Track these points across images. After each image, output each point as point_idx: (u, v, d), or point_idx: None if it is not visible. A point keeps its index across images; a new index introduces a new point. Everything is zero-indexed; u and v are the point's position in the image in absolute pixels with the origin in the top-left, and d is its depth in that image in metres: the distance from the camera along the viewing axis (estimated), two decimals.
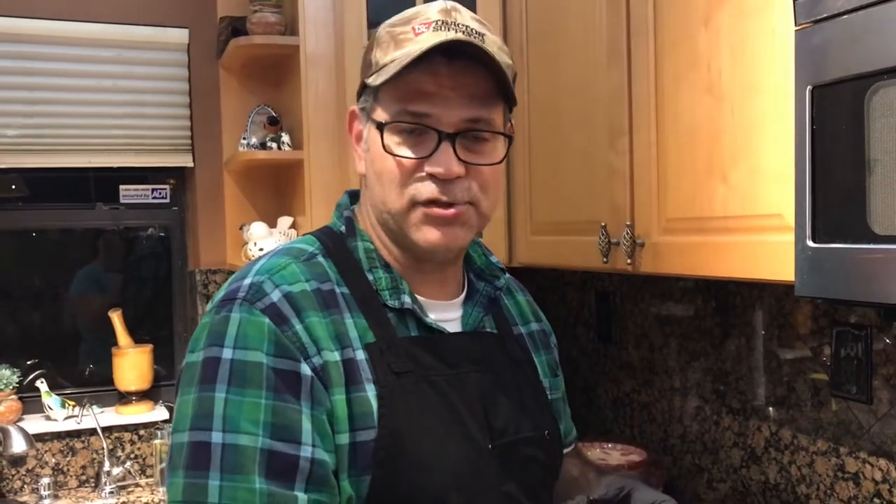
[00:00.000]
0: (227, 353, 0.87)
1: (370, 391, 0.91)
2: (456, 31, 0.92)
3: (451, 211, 0.94)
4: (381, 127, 0.94)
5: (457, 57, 0.92)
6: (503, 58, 0.95)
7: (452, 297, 1.05)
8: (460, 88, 0.93)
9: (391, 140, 0.94)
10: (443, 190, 0.93)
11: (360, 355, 0.92)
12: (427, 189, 0.94)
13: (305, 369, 0.88)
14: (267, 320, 0.88)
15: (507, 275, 1.14)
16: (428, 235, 0.95)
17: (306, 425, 0.86)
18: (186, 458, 0.85)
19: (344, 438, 0.89)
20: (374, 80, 0.95)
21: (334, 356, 0.90)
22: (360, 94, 1.01)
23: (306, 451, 0.86)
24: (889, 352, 1.43)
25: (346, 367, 0.91)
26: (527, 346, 1.14)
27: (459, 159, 0.93)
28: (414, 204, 0.94)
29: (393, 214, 0.96)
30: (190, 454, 0.85)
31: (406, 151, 0.94)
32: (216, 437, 0.84)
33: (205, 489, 0.83)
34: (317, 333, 0.90)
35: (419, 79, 0.92)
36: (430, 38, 0.91)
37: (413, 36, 0.93)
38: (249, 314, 0.88)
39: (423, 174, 0.93)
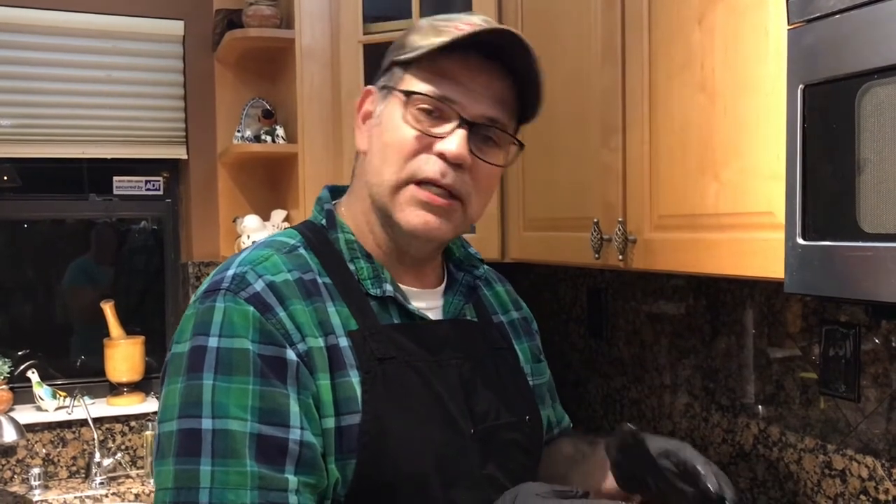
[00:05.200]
0: (213, 342, 0.88)
1: (354, 377, 0.92)
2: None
3: (443, 200, 0.96)
4: (407, 95, 0.96)
5: (492, 58, 0.96)
6: (538, 64, 0.97)
7: (433, 287, 1.07)
8: (488, 87, 0.97)
9: (411, 114, 0.96)
10: (444, 171, 0.95)
11: (344, 342, 0.94)
12: (431, 167, 0.95)
13: (291, 355, 0.89)
14: (251, 309, 0.89)
15: (486, 266, 1.15)
16: (412, 218, 0.97)
17: (294, 409, 0.88)
18: (176, 446, 0.86)
19: (330, 423, 0.90)
20: (406, 56, 0.97)
21: (318, 342, 0.92)
22: (382, 74, 1.02)
23: (295, 434, 0.87)
24: (877, 351, 1.44)
25: (331, 354, 0.92)
26: (507, 334, 1.15)
27: (470, 151, 0.96)
28: (408, 182, 0.96)
29: (385, 188, 0.97)
30: (179, 441, 0.86)
31: (423, 126, 0.96)
32: (206, 423, 0.85)
33: (196, 474, 0.84)
34: (300, 320, 0.91)
35: (452, 66, 0.96)
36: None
37: (455, 31, 0.95)
38: (234, 303, 0.90)
39: (431, 152, 0.95)
